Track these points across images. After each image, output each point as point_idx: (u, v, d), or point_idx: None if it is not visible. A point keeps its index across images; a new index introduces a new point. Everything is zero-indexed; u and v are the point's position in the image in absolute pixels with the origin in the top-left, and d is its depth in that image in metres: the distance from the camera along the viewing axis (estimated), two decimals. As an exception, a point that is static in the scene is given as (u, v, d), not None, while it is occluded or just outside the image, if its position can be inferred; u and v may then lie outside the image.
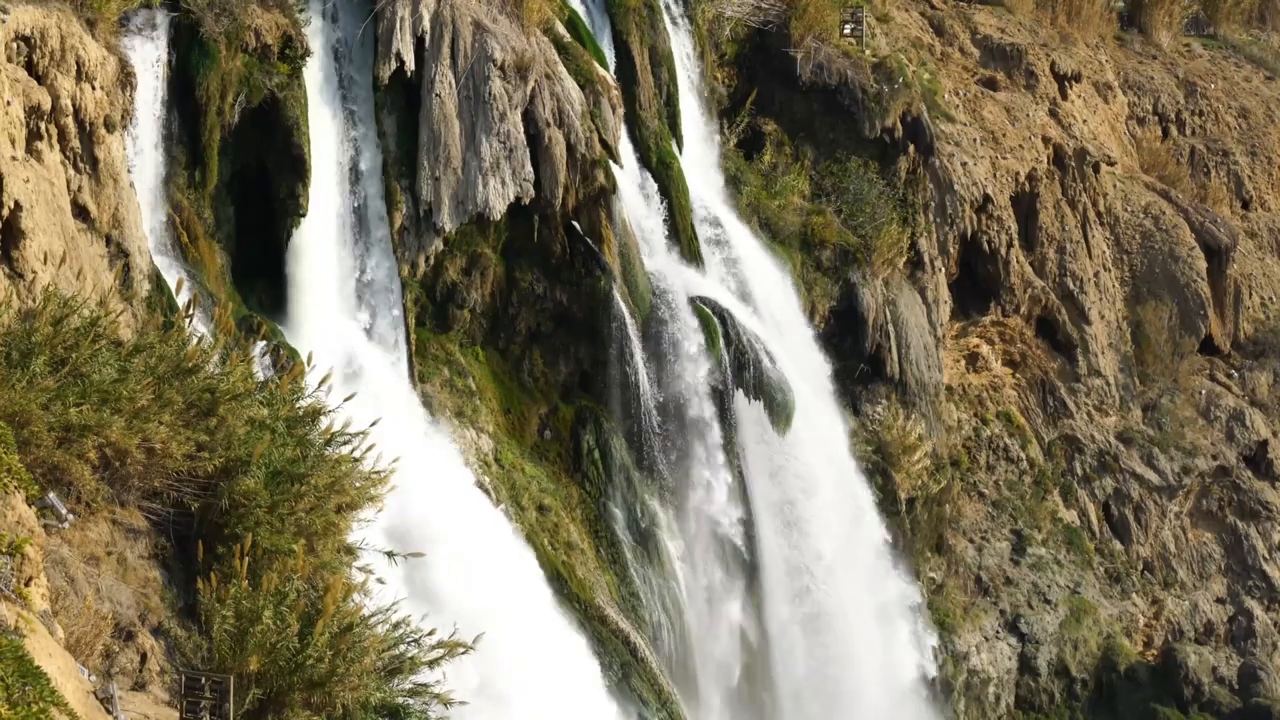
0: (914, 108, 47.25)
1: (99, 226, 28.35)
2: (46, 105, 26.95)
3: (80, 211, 27.93)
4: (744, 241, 43.47)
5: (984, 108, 53.01)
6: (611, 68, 40.56)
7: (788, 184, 46.12)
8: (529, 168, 36.17)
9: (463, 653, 19.15)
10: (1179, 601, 52.22)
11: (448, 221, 35.68)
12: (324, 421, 21.31)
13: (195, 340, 20.82)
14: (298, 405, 21.50)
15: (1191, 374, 55.51)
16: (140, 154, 30.97)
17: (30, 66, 26.94)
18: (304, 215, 33.46)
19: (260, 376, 24.03)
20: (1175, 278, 55.69)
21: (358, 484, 20.63)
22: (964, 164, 49.84)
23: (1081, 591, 49.91)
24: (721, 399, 39.25)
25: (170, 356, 19.89)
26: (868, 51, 48.44)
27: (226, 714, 16.71)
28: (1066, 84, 56.88)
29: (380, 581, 20.74)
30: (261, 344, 28.75)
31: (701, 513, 39.50)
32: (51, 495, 17.73)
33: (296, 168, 33.39)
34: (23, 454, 17.15)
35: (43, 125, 27.01)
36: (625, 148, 39.82)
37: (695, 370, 38.87)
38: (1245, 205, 61.74)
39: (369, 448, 21.15)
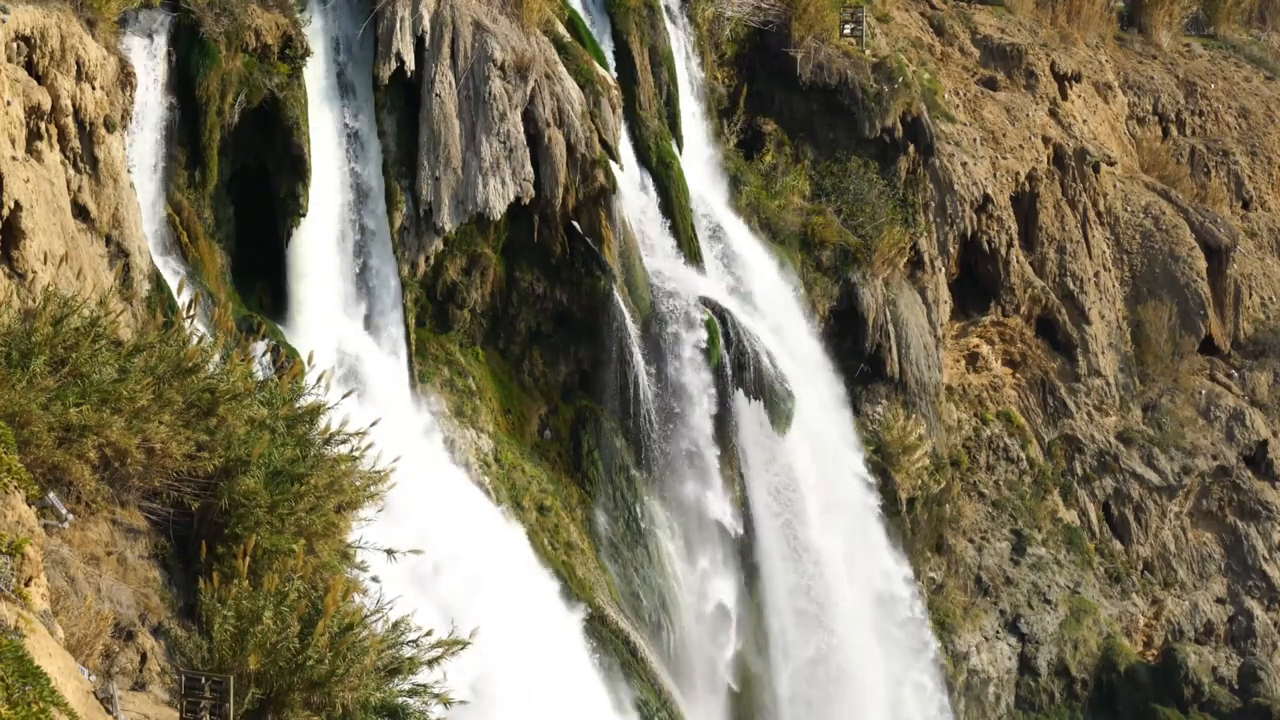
0: (914, 108, 47.24)
1: (99, 226, 28.35)
2: (46, 105, 26.95)
3: (80, 211, 27.93)
4: (744, 241, 43.47)
5: (984, 108, 53.00)
6: (611, 68, 40.56)
7: (788, 184, 46.11)
8: (529, 168, 36.17)
9: (460, 650, 19.12)
10: (1179, 601, 52.21)
11: (448, 221, 35.68)
12: (323, 421, 21.29)
13: (195, 340, 20.80)
14: (297, 405, 21.49)
15: (1191, 374, 55.49)
16: (140, 154, 30.96)
17: (30, 66, 26.95)
18: (304, 215, 33.47)
19: (260, 376, 24.00)
20: (1175, 278, 55.68)
21: (357, 483, 20.61)
22: (964, 164, 49.83)
23: (1081, 591, 49.90)
24: (721, 399, 39.24)
25: (170, 356, 19.88)
26: (868, 51, 48.42)
27: (226, 714, 16.70)
28: (1066, 84, 56.86)
29: (375, 580, 20.73)
30: (261, 344, 28.73)
31: (701, 513, 39.48)
32: (51, 495, 17.72)
33: (296, 168, 33.39)
34: (23, 454, 17.15)
35: (43, 125, 27.01)
36: (625, 148, 39.82)
37: (695, 370, 38.86)
38: (1245, 205, 61.72)
39: (368, 445, 21.15)
